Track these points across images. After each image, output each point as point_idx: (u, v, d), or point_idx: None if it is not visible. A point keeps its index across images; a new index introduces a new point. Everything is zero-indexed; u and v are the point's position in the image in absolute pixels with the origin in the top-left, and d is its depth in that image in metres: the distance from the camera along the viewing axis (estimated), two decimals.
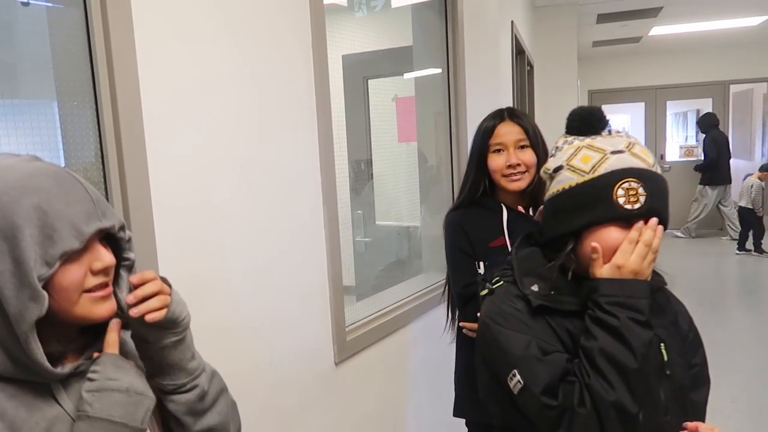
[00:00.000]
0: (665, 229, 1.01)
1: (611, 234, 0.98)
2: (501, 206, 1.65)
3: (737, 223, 7.33)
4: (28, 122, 1.09)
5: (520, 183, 1.61)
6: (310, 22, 1.59)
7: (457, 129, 2.58)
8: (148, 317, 0.75)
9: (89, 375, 0.73)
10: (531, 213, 1.66)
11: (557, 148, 1.09)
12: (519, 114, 1.67)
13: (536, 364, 0.97)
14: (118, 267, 0.79)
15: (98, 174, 1.09)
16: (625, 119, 11.13)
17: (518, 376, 0.97)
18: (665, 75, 9.15)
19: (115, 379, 0.73)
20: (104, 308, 0.75)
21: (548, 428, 0.96)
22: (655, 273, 1.05)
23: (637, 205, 0.97)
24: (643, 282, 0.98)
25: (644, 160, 1.01)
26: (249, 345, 1.39)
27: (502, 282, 1.09)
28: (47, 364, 0.70)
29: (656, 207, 0.99)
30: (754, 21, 6.90)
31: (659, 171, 1.03)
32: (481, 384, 1.11)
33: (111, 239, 0.78)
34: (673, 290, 1.16)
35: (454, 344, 1.78)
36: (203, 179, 1.25)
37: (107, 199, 1.06)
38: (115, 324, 0.78)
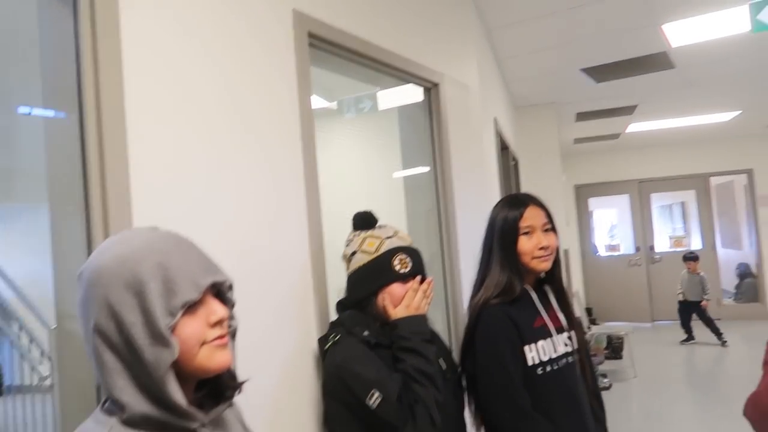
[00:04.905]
0: (423, 281, 1.53)
1: (395, 290, 1.50)
2: (526, 290, 1.69)
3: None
4: (22, 226, 1.10)
5: (547, 264, 1.68)
6: (300, 128, 1.66)
7: (447, 225, 2.62)
8: None
9: None
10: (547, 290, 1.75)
11: (350, 240, 1.59)
12: (539, 199, 1.75)
13: (389, 382, 1.36)
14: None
15: None
16: (612, 213, 11.33)
17: (377, 393, 1.33)
18: (647, 168, 9.44)
19: None
20: (222, 357, 0.83)
21: (402, 425, 1.33)
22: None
23: (407, 269, 1.51)
24: (423, 316, 1.52)
25: (406, 240, 1.58)
26: None
27: (339, 335, 1.46)
28: (186, 405, 0.77)
29: (419, 268, 1.54)
30: (725, 117, 7.25)
31: (415, 247, 1.57)
32: (333, 419, 1.43)
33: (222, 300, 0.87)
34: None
35: None
36: None
37: None
38: None
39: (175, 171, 1.24)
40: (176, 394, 0.76)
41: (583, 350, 1.74)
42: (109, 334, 0.76)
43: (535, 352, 1.60)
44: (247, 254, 1.41)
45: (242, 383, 0.91)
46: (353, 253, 1.55)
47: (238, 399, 1.21)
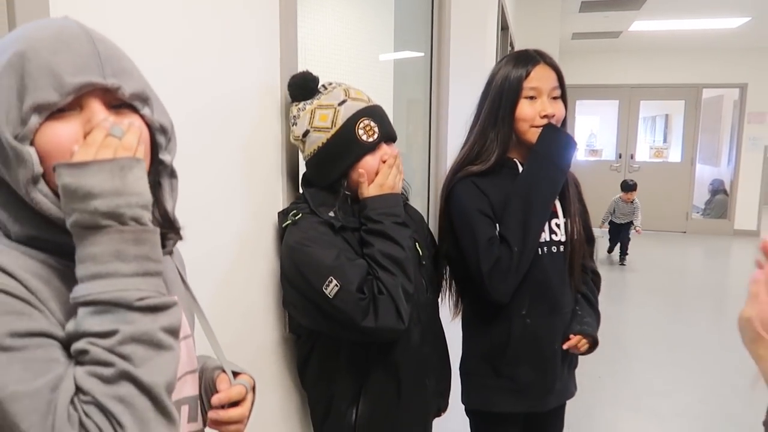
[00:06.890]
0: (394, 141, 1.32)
1: (368, 163, 1.27)
2: (517, 164, 1.47)
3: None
4: None
5: None
6: None
7: (437, 116, 2.30)
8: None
9: None
10: None
11: (295, 116, 1.29)
12: (552, 58, 1.46)
13: (348, 269, 1.19)
14: (158, 173, 0.69)
15: None
16: (594, 120, 11.03)
17: (334, 281, 1.16)
18: (641, 74, 9.04)
19: None
20: None
21: (362, 317, 1.17)
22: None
23: (375, 136, 1.26)
24: (397, 195, 1.29)
25: (362, 99, 1.29)
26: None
27: (300, 214, 1.25)
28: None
29: (386, 131, 1.28)
30: (734, 22, 6.82)
31: (373, 102, 1.30)
32: (290, 302, 1.28)
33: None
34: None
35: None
36: None
37: None
38: None
39: None
40: (50, 208, 0.60)
41: (573, 242, 1.49)
42: None
43: None
44: (207, 87, 1.06)
45: (179, 230, 0.74)
46: (305, 133, 1.27)
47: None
